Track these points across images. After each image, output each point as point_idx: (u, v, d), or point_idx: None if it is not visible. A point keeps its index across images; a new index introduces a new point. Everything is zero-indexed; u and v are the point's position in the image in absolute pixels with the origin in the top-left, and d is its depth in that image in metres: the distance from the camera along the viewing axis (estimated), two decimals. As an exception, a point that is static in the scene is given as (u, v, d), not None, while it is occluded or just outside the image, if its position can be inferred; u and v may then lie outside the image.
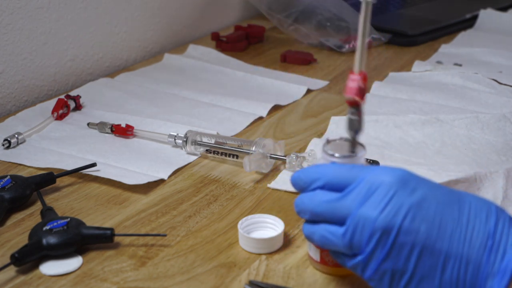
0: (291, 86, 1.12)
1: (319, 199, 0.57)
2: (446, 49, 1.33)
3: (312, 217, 0.58)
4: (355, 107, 0.60)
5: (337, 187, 0.57)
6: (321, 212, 0.57)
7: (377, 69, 1.23)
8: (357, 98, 0.60)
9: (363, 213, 0.54)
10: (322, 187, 0.58)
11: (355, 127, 0.61)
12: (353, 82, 0.60)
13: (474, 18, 1.49)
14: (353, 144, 0.61)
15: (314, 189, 0.58)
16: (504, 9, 1.57)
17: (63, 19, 1.13)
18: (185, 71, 1.21)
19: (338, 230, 0.56)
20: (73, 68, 1.17)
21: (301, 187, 0.60)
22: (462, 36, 1.41)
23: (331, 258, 0.62)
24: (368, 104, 1.03)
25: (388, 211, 0.53)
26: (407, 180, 0.55)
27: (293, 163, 0.81)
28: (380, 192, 0.54)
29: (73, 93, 1.06)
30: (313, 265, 0.66)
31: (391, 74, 1.19)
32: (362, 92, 0.61)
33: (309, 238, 0.60)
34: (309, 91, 1.12)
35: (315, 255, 0.64)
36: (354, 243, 0.55)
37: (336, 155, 0.60)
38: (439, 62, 1.24)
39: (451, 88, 1.11)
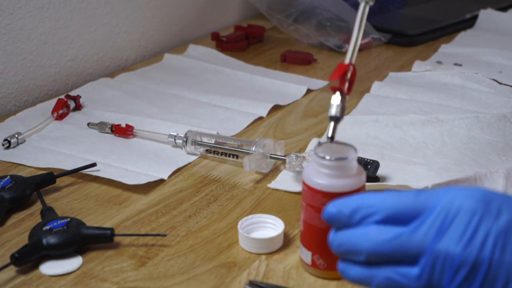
0: (291, 86, 1.12)
1: (379, 237, 0.48)
2: (446, 49, 1.33)
3: (369, 259, 0.49)
4: (341, 95, 0.62)
5: (400, 220, 0.48)
6: (386, 252, 0.48)
7: (377, 69, 1.23)
8: (343, 87, 0.62)
9: (442, 247, 0.46)
10: (379, 222, 0.49)
11: (335, 112, 0.62)
12: (340, 69, 0.62)
13: (474, 18, 1.49)
14: (333, 131, 0.62)
15: (367, 224, 0.49)
16: (504, 9, 1.57)
17: (63, 19, 1.13)
18: (185, 71, 1.21)
19: (410, 271, 0.47)
20: (73, 68, 1.17)
21: (344, 222, 0.50)
22: (462, 36, 1.41)
23: (323, 261, 0.63)
24: (368, 104, 1.04)
25: (474, 243, 0.46)
26: (490, 202, 0.47)
27: (293, 163, 0.81)
28: (460, 220, 0.46)
29: (73, 93, 1.06)
30: (305, 268, 0.66)
31: (391, 74, 1.19)
32: (349, 82, 0.62)
33: (364, 282, 0.50)
34: (309, 91, 1.12)
35: (306, 258, 0.64)
36: (433, 284, 0.47)
37: (327, 157, 0.60)
38: (439, 62, 1.24)
39: (451, 88, 1.11)
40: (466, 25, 1.47)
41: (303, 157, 0.81)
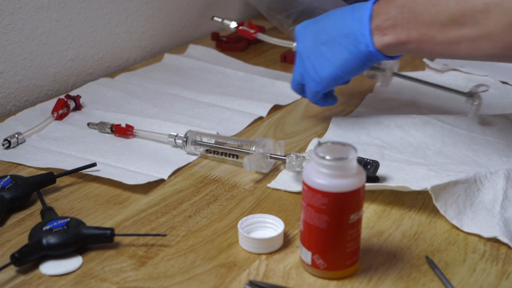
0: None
1: None
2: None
3: None
4: None
5: None
6: None
7: (377, 69, 1.23)
8: None
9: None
10: None
11: None
12: None
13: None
14: None
15: None
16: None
17: (63, 19, 1.13)
18: (185, 71, 1.21)
19: None
20: (73, 68, 1.17)
21: None
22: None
23: (323, 261, 0.63)
24: (370, 104, 1.04)
25: None
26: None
27: (293, 163, 0.81)
28: None
29: (73, 93, 1.06)
30: (305, 268, 0.66)
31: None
32: None
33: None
34: (309, 91, 1.12)
35: (306, 258, 0.64)
36: None
37: (327, 157, 0.60)
38: (445, 65, 1.23)
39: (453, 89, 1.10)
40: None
41: (303, 157, 0.81)
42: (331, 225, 0.61)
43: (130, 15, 1.26)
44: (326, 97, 0.92)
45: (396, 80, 1.16)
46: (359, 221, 0.63)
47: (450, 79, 1.15)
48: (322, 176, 0.60)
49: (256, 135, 0.96)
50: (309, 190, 0.61)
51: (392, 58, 0.85)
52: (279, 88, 1.12)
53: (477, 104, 0.96)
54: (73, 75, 1.17)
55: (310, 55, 0.89)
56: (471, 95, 0.97)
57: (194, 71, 1.21)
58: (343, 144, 0.62)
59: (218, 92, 1.10)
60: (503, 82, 1.12)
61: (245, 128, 0.98)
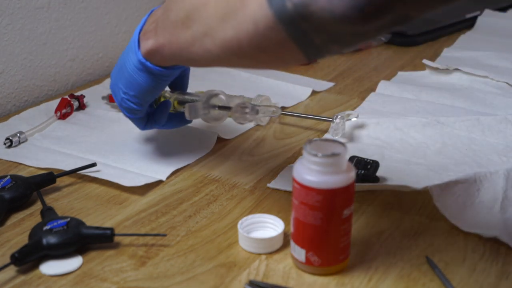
0: (296, 88, 1.12)
1: None
2: (449, 53, 1.31)
3: None
4: None
5: None
6: None
7: (377, 69, 1.23)
8: None
9: None
10: None
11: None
12: None
13: (474, 18, 1.49)
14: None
15: None
16: (504, 9, 1.57)
17: (63, 19, 1.13)
18: (191, 71, 1.20)
19: None
20: (73, 68, 1.17)
21: None
22: (463, 38, 1.40)
23: (317, 258, 0.63)
24: (373, 103, 1.04)
25: None
26: None
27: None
28: None
29: (78, 93, 1.06)
30: (298, 266, 0.66)
31: (400, 73, 1.18)
32: None
33: None
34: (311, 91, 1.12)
35: (300, 256, 0.64)
36: None
37: (319, 154, 0.60)
38: (446, 65, 1.22)
39: (457, 88, 1.10)
40: (466, 25, 1.47)
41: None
42: (325, 222, 0.62)
43: (130, 15, 1.26)
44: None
45: (397, 80, 1.16)
46: (351, 215, 0.63)
47: (454, 79, 1.15)
48: (316, 173, 0.61)
49: (256, 135, 0.96)
50: (302, 188, 0.61)
51: (168, 69, 0.73)
52: (284, 89, 1.12)
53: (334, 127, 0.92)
54: (73, 75, 1.17)
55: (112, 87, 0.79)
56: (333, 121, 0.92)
57: (199, 71, 1.20)
58: (331, 141, 0.63)
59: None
60: (506, 82, 1.12)
61: (247, 130, 0.98)
